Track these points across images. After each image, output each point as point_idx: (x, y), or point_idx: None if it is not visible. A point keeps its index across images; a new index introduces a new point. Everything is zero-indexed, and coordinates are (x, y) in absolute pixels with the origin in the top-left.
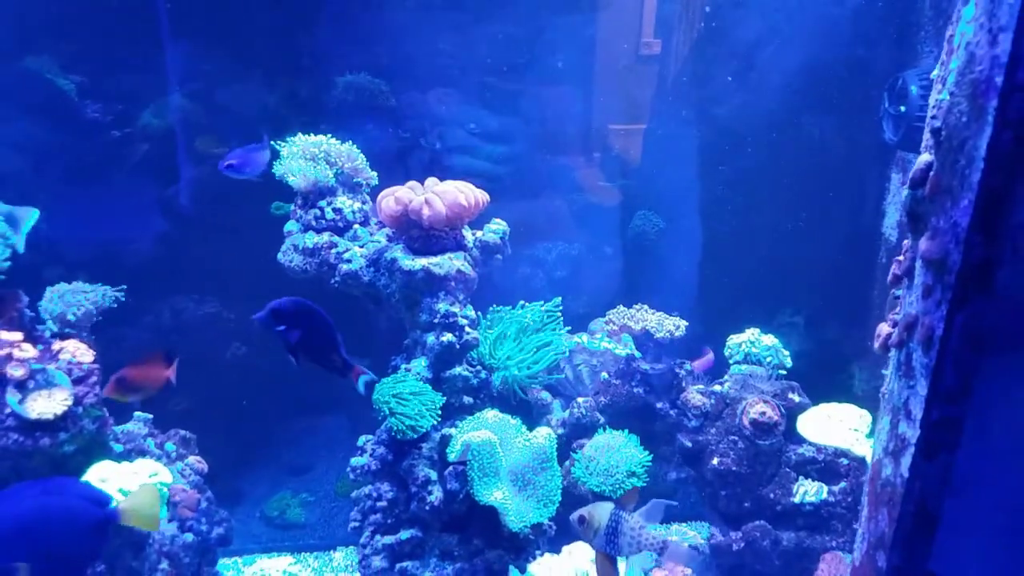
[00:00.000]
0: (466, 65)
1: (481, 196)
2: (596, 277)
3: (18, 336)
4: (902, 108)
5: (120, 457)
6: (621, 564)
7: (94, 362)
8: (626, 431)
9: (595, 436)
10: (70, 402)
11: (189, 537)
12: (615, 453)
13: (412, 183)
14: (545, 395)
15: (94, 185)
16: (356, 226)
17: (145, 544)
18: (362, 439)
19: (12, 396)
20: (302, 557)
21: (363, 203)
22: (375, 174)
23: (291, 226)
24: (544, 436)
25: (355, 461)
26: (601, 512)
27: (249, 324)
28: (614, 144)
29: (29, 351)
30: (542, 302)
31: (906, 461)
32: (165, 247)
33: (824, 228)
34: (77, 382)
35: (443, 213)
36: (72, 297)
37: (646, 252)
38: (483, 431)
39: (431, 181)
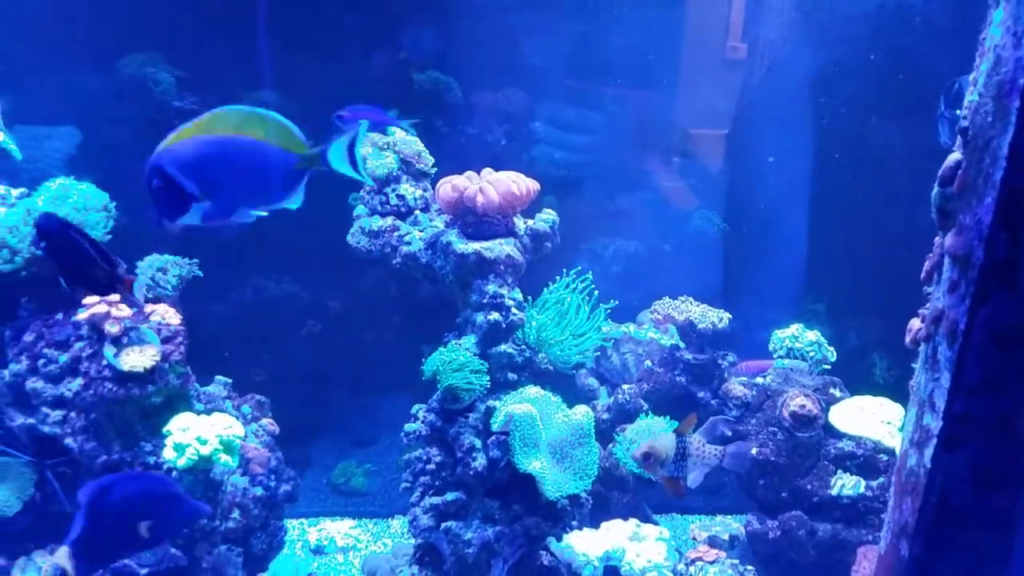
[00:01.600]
0: (548, 64)
1: (532, 185)
2: (652, 273)
3: (116, 298)
4: (958, 112)
5: (200, 413)
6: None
7: (180, 324)
8: (667, 417)
9: (637, 421)
10: (158, 358)
11: (259, 491)
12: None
13: (469, 172)
14: (592, 381)
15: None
16: (417, 211)
17: (219, 492)
18: (415, 407)
19: (109, 350)
20: (362, 522)
21: (424, 190)
22: (432, 160)
23: (360, 210)
24: (582, 413)
25: (408, 427)
26: (664, 444)
27: (324, 303)
28: (691, 146)
29: (125, 311)
30: (575, 278)
31: (929, 452)
32: (249, 229)
33: (883, 228)
34: (165, 341)
35: (496, 201)
36: (159, 267)
37: (705, 250)
38: (525, 404)
39: (486, 171)
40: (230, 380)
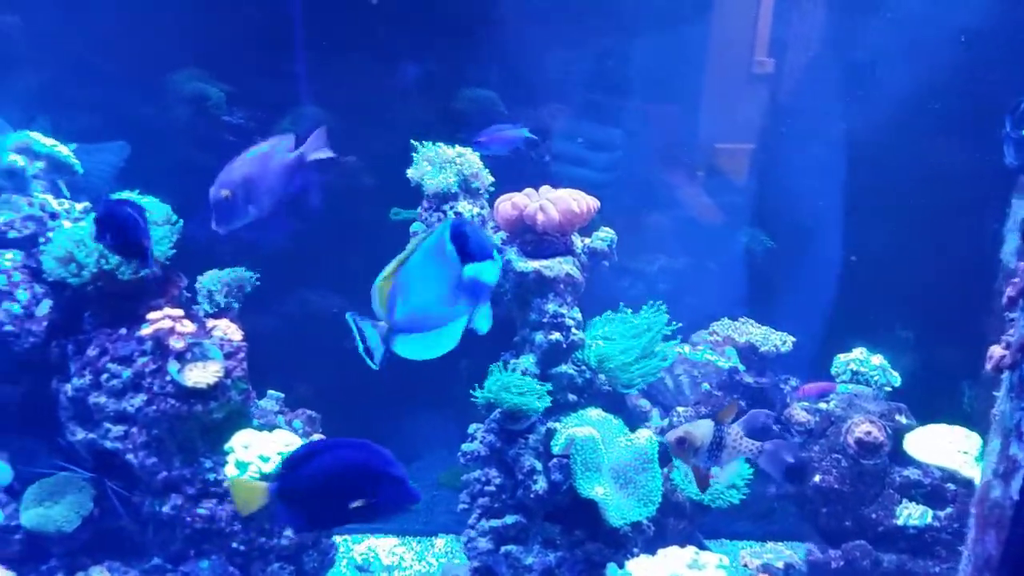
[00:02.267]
0: (575, 79)
1: (592, 203)
2: (698, 292)
3: (180, 313)
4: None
5: (259, 429)
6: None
7: (242, 340)
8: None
9: None
10: (221, 374)
11: None
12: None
13: (528, 190)
14: (644, 402)
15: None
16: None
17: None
18: (472, 427)
19: (173, 366)
20: (406, 540)
21: (481, 208)
22: (492, 179)
23: (417, 227)
24: (646, 438)
25: (466, 447)
26: (701, 431)
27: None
28: (720, 162)
29: (189, 326)
30: (651, 305)
31: (1016, 484)
32: (295, 244)
33: (940, 250)
34: (227, 356)
35: (556, 219)
36: (222, 281)
37: (752, 269)
38: (587, 427)
39: (545, 188)
40: (283, 395)
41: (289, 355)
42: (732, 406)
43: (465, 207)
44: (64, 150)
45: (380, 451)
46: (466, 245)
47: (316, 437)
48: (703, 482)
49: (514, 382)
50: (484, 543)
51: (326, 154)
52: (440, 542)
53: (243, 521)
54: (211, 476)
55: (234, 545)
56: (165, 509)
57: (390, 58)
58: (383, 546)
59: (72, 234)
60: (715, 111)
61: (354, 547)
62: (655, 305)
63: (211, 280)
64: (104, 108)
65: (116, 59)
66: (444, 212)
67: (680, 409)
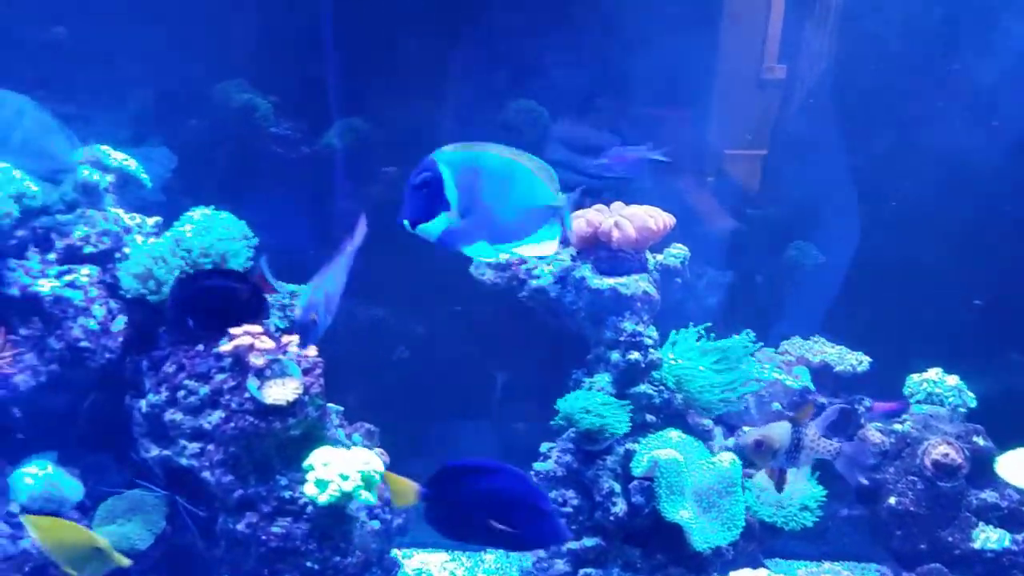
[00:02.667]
0: (579, 85)
1: (668, 220)
2: (749, 306)
3: (259, 329)
4: None
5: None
6: None
7: (317, 355)
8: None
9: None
10: (300, 391)
11: (376, 524)
12: (788, 485)
13: (599, 205)
14: (706, 421)
15: (283, 195)
16: None
17: (351, 529)
18: (545, 446)
19: (252, 383)
20: (455, 555)
21: None
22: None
23: None
24: (729, 461)
25: (539, 466)
26: (779, 433)
27: (412, 329)
28: (730, 169)
29: (268, 343)
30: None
31: None
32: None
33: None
34: (305, 372)
35: (632, 236)
36: (293, 295)
37: (800, 283)
38: (669, 449)
39: (618, 205)
40: (342, 408)
41: (335, 366)
42: (809, 406)
43: None
44: (133, 164)
45: (533, 485)
46: None
47: (376, 451)
48: (780, 484)
49: (594, 402)
50: (561, 565)
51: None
52: (489, 557)
53: (318, 540)
54: (287, 494)
55: (308, 564)
56: (240, 527)
57: (434, 69)
58: (434, 561)
59: (150, 251)
60: (724, 117)
61: (405, 562)
62: (701, 328)
63: (284, 295)
64: (148, 117)
65: (160, 67)
66: None
67: (747, 429)
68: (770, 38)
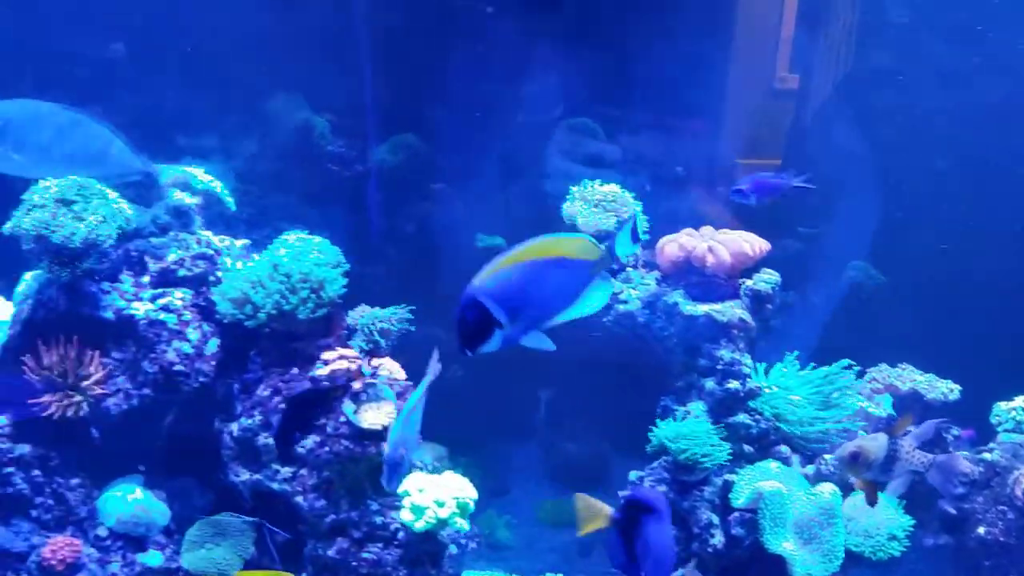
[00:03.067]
0: (585, 94)
1: (764, 245)
2: (811, 329)
3: (354, 353)
4: None
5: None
6: None
7: (406, 379)
8: (883, 493)
9: (852, 496)
10: (394, 415)
11: (453, 548)
12: (874, 515)
13: (689, 229)
14: (784, 448)
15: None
16: (629, 269)
17: (443, 556)
18: (634, 474)
19: (348, 406)
20: None
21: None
22: (646, 218)
23: None
24: (830, 492)
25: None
26: (876, 445)
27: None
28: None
29: (366, 367)
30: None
31: None
32: (393, 273)
33: None
34: (396, 397)
35: (727, 261)
36: (377, 319)
37: (862, 305)
38: (773, 481)
39: (708, 229)
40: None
41: None
42: (907, 418)
43: None
44: (219, 186)
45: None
46: None
47: (447, 473)
48: (873, 497)
49: (696, 431)
50: None
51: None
52: None
53: (409, 566)
54: (378, 519)
55: None
56: (330, 553)
57: (484, 86)
58: None
59: (247, 275)
60: (736, 127)
61: None
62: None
63: (369, 318)
64: (202, 131)
65: (214, 83)
66: None
67: (827, 457)
68: (782, 48)
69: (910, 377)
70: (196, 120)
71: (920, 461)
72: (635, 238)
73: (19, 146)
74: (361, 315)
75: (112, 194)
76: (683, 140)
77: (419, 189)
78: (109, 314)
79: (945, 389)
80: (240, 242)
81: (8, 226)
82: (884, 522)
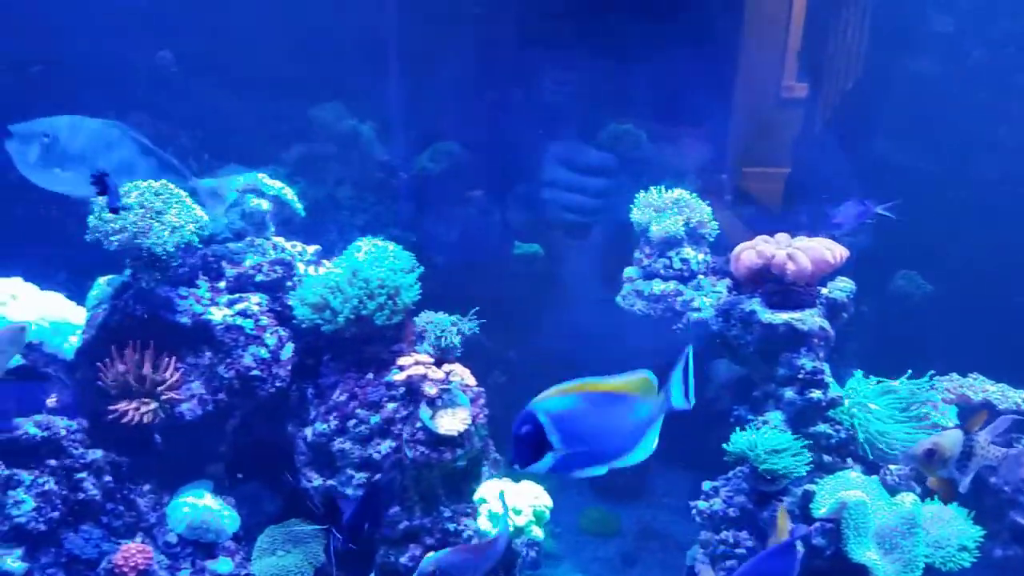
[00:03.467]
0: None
1: (844, 253)
2: (861, 339)
3: (430, 359)
4: None
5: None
6: None
7: (477, 384)
8: (954, 504)
9: (923, 506)
10: (469, 421)
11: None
12: (945, 525)
13: (764, 236)
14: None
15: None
16: (700, 276)
17: (515, 564)
18: (707, 484)
19: (425, 412)
20: None
21: (705, 254)
22: (716, 224)
23: (631, 272)
24: (911, 501)
25: (702, 504)
26: (951, 441)
27: (506, 353)
28: (749, 187)
29: (440, 373)
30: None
31: None
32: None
33: None
34: (471, 402)
35: (808, 269)
36: (443, 324)
37: (909, 315)
38: (856, 491)
39: (783, 236)
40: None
41: None
42: (983, 413)
43: (690, 253)
44: (289, 192)
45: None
46: None
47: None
48: (949, 495)
49: (777, 442)
50: None
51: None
52: None
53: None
54: (451, 526)
55: None
56: (403, 560)
57: (526, 92)
58: None
59: (326, 280)
60: (742, 135)
61: None
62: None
63: (437, 324)
64: (248, 136)
65: (256, 86)
66: (670, 259)
67: (893, 467)
68: (789, 57)
69: (982, 387)
70: (242, 127)
71: (995, 455)
72: (686, 385)
73: (65, 163)
74: (429, 321)
75: (189, 201)
76: (691, 149)
77: (460, 197)
78: (186, 319)
79: (1019, 399)
80: (312, 248)
81: (91, 226)
82: (955, 533)
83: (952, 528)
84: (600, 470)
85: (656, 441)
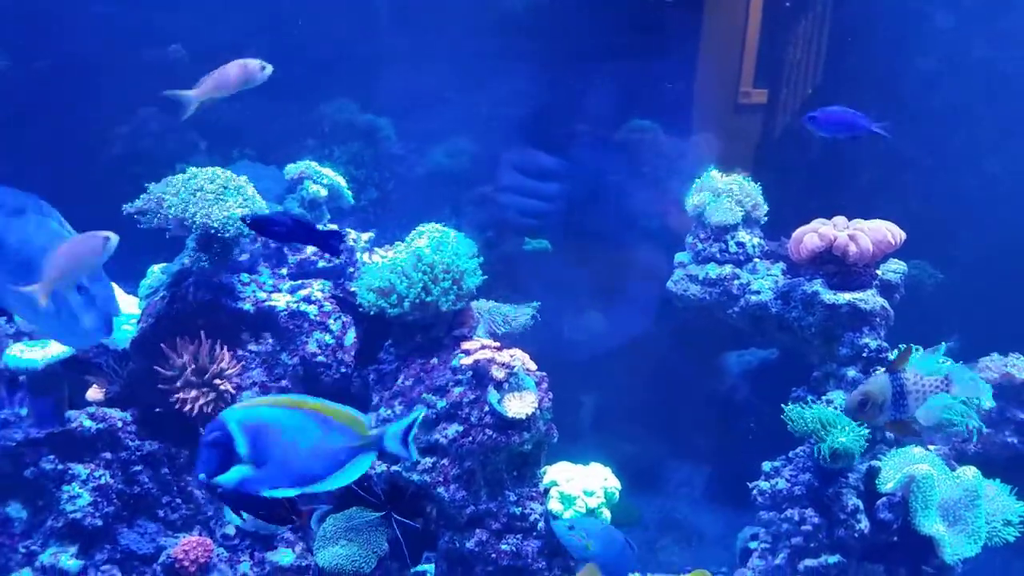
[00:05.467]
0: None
1: (903, 235)
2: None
3: (495, 343)
4: None
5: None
6: None
7: (538, 369)
8: (997, 480)
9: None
10: (536, 404)
11: None
12: (990, 502)
13: (822, 219)
14: (889, 436)
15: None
16: (756, 260)
17: None
18: (768, 465)
19: (493, 396)
20: None
21: (760, 238)
22: (767, 208)
23: (683, 256)
24: (973, 474)
25: (764, 485)
26: (878, 387)
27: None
28: None
29: (505, 356)
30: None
31: None
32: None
33: None
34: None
35: (869, 250)
36: (500, 311)
37: (918, 304)
38: (924, 465)
39: (841, 219)
40: None
41: None
42: (906, 352)
43: (745, 236)
44: (341, 180)
45: None
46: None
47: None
48: (908, 431)
49: (841, 420)
50: None
51: None
52: None
53: (548, 557)
54: (516, 510)
55: None
56: (469, 545)
57: (545, 87)
58: None
59: (392, 266)
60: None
61: None
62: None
63: (492, 311)
64: (263, 137)
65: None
66: (726, 243)
67: (931, 448)
68: (746, 64)
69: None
70: (256, 122)
71: (933, 385)
72: (405, 441)
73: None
74: (487, 308)
75: (250, 190)
76: (643, 154)
77: (473, 193)
78: (248, 306)
79: None
80: (365, 235)
81: (151, 211)
82: (999, 510)
83: (997, 504)
84: (289, 492)
85: (357, 474)
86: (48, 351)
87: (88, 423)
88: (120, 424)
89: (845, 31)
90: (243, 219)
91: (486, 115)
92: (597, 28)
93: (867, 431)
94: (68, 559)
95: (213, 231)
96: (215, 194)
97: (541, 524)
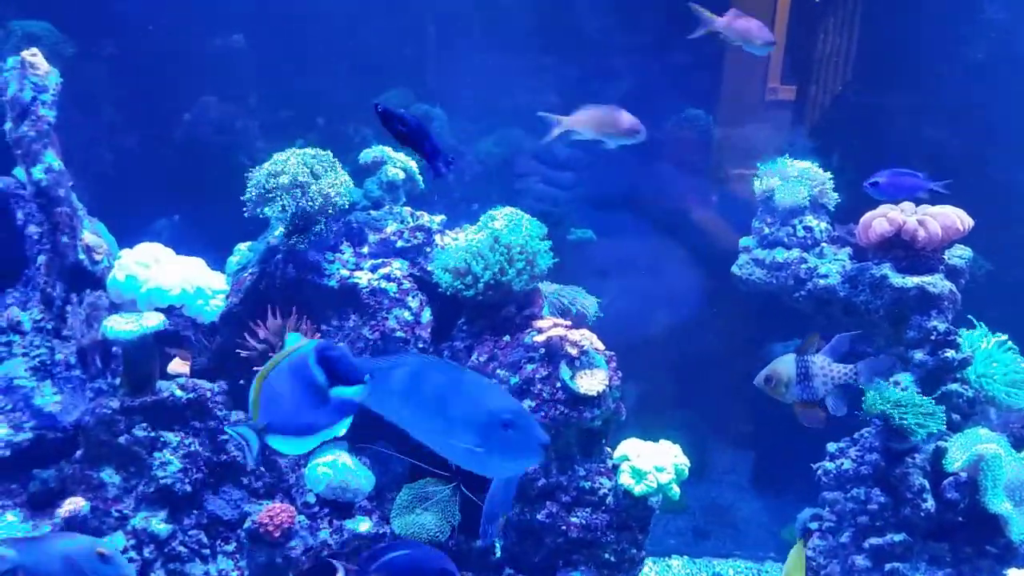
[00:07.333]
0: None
1: (970, 221)
2: None
3: (567, 322)
4: None
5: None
6: None
7: (606, 348)
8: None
9: None
10: (607, 382)
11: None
12: None
13: (890, 205)
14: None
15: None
16: (823, 244)
17: (650, 521)
18: (833, 446)
19: (565, 372)
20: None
21: (827, 223)
22: (836, 194)
23: (747, 242)
24: None
25: (829, 465)
26: (784, 366)
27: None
28: (735, 188)
29: (576, 335)
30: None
31: None
32: None
33: None
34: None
35: (938, 235)
36: (564, 292)
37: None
38: (993, 444)
39: (908, 205)
40: None
41: None
42: (813, 337)
43: (813, 221)
44: (413, 164)
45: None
46: (335, 370)
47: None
48: (814, 417)
49: (912, 400)
50: (862, 561)
51: None
52: (676, 563)
53: (616, 531)
54: (585, 484)
55: (605, 556)
56: (540, 517)
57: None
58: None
59: (468, 247)
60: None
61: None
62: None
63: (557, 292)
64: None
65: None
66: (793, 227)
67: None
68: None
69: None
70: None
71: (841, 373)
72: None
73: None
74: (552, 290)
75: (340, 168)
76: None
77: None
78: (333, 283)
79: None
80: (438, 217)
81: (251, 187)
82: None
83: None
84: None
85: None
86: (143, 322)
87: (179, 393)
88: (209, 395)
89: (876, 26)
90: (375, 105)
91: (532, 105)
92: (627, 25)
93: (941, 416)
94: (158, 523)
95: (304, 209)
96: (309, 173)
97: (611, 499)
